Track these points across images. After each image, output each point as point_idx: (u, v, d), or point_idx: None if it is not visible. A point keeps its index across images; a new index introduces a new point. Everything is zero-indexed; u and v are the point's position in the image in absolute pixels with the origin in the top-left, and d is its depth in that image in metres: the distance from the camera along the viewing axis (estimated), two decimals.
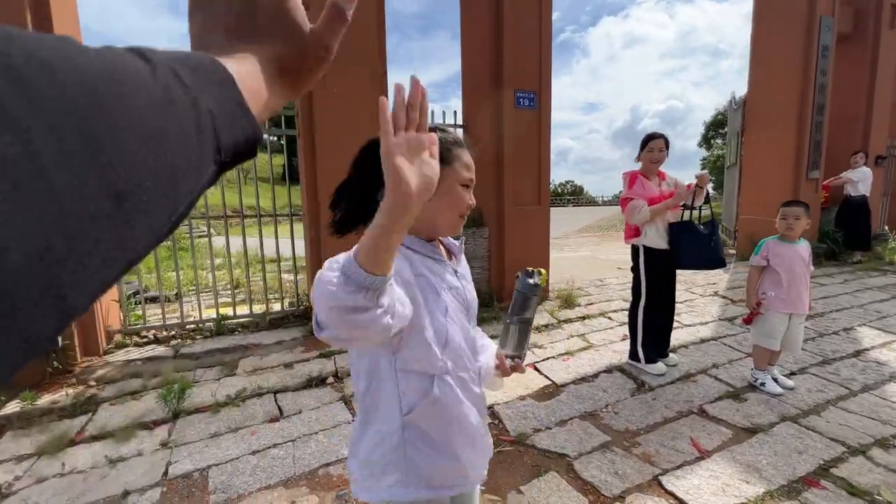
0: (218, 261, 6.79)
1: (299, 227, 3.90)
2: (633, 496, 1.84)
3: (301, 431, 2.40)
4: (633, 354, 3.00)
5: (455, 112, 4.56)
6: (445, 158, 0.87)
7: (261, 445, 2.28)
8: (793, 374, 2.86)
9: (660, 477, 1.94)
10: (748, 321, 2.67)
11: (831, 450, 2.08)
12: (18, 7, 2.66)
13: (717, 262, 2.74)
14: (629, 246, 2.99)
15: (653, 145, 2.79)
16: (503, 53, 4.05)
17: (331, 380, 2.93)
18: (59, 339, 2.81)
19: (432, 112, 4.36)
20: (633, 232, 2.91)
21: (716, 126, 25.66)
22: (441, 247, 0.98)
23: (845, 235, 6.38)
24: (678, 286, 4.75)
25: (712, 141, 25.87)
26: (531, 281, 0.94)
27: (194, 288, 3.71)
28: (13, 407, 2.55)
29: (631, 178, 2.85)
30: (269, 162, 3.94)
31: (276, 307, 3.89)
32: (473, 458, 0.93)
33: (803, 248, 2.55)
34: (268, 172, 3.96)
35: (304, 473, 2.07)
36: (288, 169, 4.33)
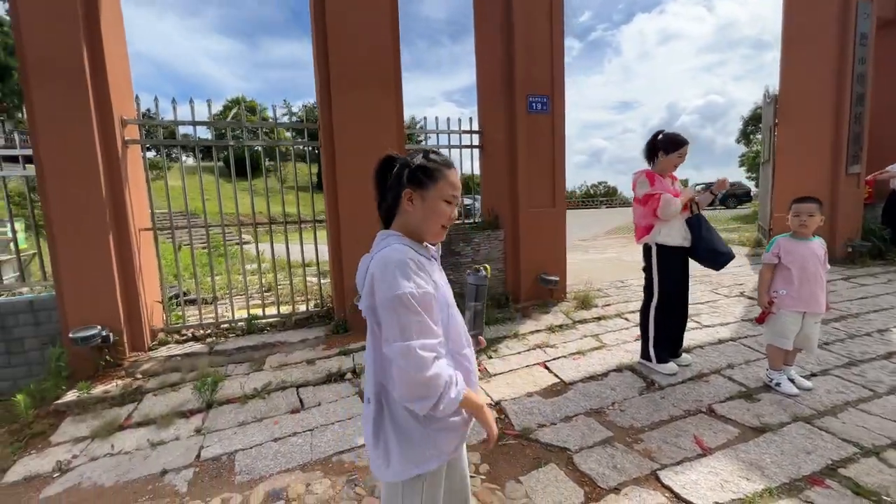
0: (252, 266, 7.21)
1: (322, 234, 4.13)
2: (628, 488, 1.88)
3: (319, 422, 2.58)
4: (645, 354, 3.00)
5: (471, 119, 4.70)
6: (433, 177, 1.06)
7: (282, 433, 2.48)
8: (814, 375, 2.78)
9: (658, 472, 1.97)
10: (760, 321, 2.62)
11: (842, 450, 2.03)
12: (74, 35, 3.02)
13: (719, 253, 2.72)
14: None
15: (683, 150, 2.76)
16: (515, 59, 4.15)
17: (349, 375, 3.10)
18: (111, 335, 3.14)
19: (447, 119, 4.50)
20: (645, 230, 2.91)
21: (754, 121, 24.44)
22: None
23: (893, 233, 5.99)
24: (703, 287, 4.69)
25: (751, 136, 24.67)
26: (481, 274, 1.21)
27: (227, 292, 4.00)
28: (71, 395, 2.88)
29: (650, 176, 2.81)
30: (294, 172, 4.20)
31: (302, 308, 4.13)
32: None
33: (818, 245, 2.49)
34: (302, 181, 4.22)
35: (320, 459, 2.24)
36: (319, 177, 4.56)
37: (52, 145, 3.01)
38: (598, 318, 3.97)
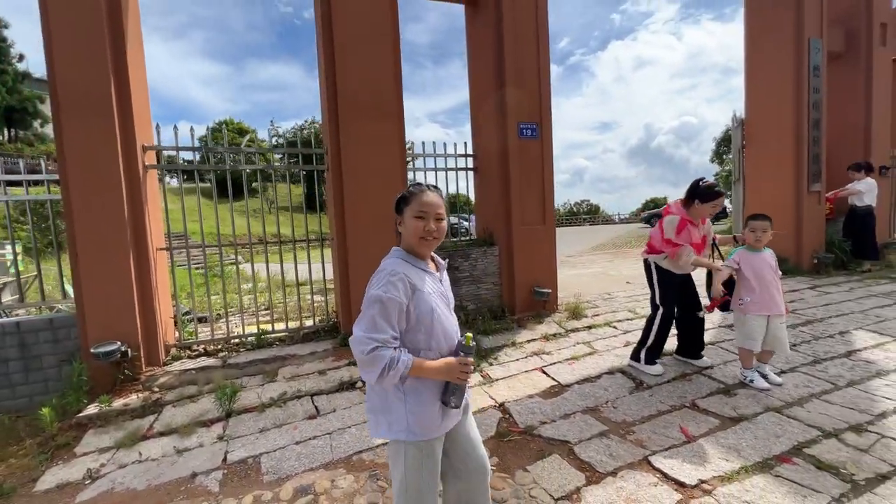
0: (259, 284, 7.32)
1: (326, 252, 4.35)
2: (624, 472, 2.12)
3: (336, 426, 2.76)
4: (635, 356, 3.26)
5: (465, 143, 5.04)
6: (407, 202, 1.35)
7: (302, 437, 2.65)
8: (783, 372, 3.09)
9: (649, 457, 2.21)
10: (710, 309, 3.02)
11: (807, 434, 2.31)
12: (103, 68, 3.26)
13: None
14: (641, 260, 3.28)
15: (718, 202, 2.93)
16: (506, 89, 4.52)
17: (360, 384, 3.29)
18: (129, 351, 3.27)
19: (443, 144, 4.83)
20: (656, 251, 3.10)
21: (726, 142, 25.93)
22: (432, 262, 1.45)
23: (853, 245, 6.49)
24: None
25: (724, 156, 26.06)
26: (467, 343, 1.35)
27: (234, 308, 4.16)
28: (93, 409, 2.99)
29: (681, 225, 2.93)
30: (303, 194, 4.43)
31: (309, 323, 4.31)
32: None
33: (769, 255, 2.85)
34: (295, 202, 4.44)
35: (341, 458, 2.42)
36: (307, 198, 4.76)
37: (80, 170, 3.19)
38: (589, 327, 4.25)
